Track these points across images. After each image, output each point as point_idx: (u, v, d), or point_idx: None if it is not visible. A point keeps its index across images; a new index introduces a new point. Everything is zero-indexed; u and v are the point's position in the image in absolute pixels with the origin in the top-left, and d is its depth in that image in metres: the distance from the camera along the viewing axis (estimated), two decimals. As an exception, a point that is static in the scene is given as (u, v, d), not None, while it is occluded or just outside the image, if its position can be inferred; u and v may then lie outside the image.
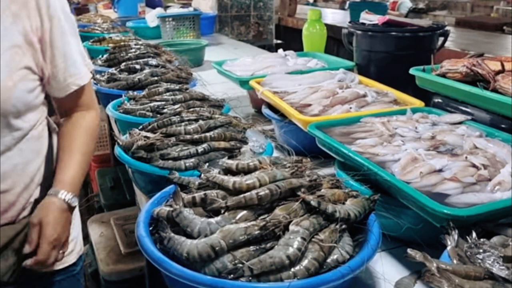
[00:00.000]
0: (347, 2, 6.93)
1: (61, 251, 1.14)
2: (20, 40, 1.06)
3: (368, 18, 2.09)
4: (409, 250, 0.83)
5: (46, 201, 1.13)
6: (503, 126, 1.30)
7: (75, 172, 1.17)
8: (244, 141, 1.34)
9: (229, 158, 1.20)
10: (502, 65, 1.38)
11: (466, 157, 1.07)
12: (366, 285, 0.96)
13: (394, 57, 1.97)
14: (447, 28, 2.03)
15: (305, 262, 0.80)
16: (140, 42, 2.46)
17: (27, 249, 1.08)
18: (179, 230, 0.88)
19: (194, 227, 0.86)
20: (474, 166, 1.05)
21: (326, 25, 2.80)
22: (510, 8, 7.04)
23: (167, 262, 0.80)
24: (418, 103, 1.51)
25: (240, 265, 0.79)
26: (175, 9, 4.10)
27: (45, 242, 1.09)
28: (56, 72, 1.14)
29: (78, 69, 1.18)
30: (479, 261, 0.80)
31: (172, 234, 0.86)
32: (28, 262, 1.08)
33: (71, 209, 1.16)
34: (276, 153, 1.33)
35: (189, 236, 0.85)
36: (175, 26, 3.61)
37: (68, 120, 1.23)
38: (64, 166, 1.17)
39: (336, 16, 6.33)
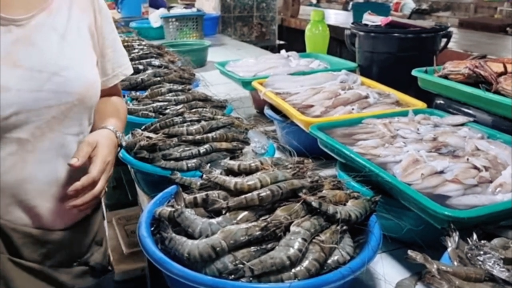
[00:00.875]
0: (350, 3, 6.92)
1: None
2: (88, 33, 1.10)
3: (371, 19, 2.09)
4: (409, 252, 0.83)
5: (98, 131, 1.11)
6: (505, 128, 1.29)
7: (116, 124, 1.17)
8: (246, 142, 1.34)
9: (231, 158, 1.20)
10: (505, 67, 1.38)
11: (467, 159, 1.07)
12: (367, 286, 0.96)
13: (396, 58, 1.97)
14: (450, 29, 2.03)
15: (306, 263, 0.80)
16: (143, 43, 2.47)
17: (74, 160, 0.98)
18: (181, 230, 0.88)
19: (195, 228, 0.86)
20: (475, 168, 1.05)
21: (329, 26, 2.80)
22: (514, 9, 7.03)
23: (168, 262, 0.80)
24: (420, 104, 1.51)
25: (241, 265, 0.79)
26: (178, 10, 4.11)
27: (100, 159, 1.01)
28: (105, 62, 1.17)
29: (125, 59, 1.24)
30: (480, 263, 0.81)
31: (174, 235, 0.86)
32: (82, 181, 0.96)
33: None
34: (278, 154, 1.33)
35: (191, 236, 0.86)
36: (178, 27, 3.62)
37: (109, 98, 1.25)
38: (107, 119, 1.17)
39: (339, 17, 6.33)
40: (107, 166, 1.04)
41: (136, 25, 3.91)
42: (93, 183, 0.98)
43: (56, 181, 1.05)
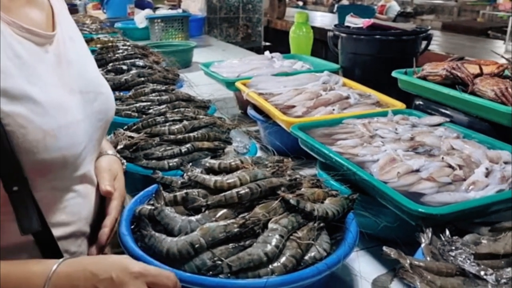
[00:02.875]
0: (336, 6, 6.98)
1: None
2: None
3: (353, 21, 2.12)
4: (384, 248, 0.85)
5: (104, 157, 0.99)
6: (480, 128, 1.33)
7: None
8: (228, 142, 1.36)
9: (213, 158, 1.22)
10: (481, 69, 1.42)
11: (442, 158, 1.10)
12: (344, 282, 0.98)
13: (378, 60, 2.00)
14: (430, 32, 2.07)
15: (283, 259, 0.82)
16: (127, 43, 2.47)
17: (110, 189, 0.91)
18: (161, 229, 0.89)
19: (175, 225, 0.88)
20: (450, 166, 1.08)
21: (314, 27, 2.82)
22: (496, 13, 7.13)
23: (147, 260, 0.81)
24: (399, 105, 1.54)
25: (219, 262, 0.80)
26: (164, 11, 4.11)
27: (119, 195, 0.93)
28: None
29: None
30: (452, 258, 0.83)
31: (153, 232, 0.87)
32: (111, 225, 0.88)
33: None
34: (260, 154, 1.35)
35: (170, 234, 0.87)
36: (164, 28, 3.62)
37: None
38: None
39: (325, 19, 6.38)
40: (123, 189, 0.97)
41: (122, 26, 3.90)
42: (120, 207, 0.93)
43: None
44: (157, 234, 0.86)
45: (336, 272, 0.96)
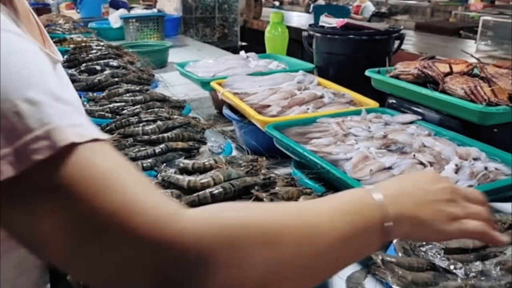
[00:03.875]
0: (311, 6, 7.03)
1: None
2: None
3: (327, 21, 2.13)
4: None
5: None
6: (450, 125, 1.36)
7: None
8: (203, 142, 1.36)
9: (187, 158, 1.21)
10: (451, 67, 1.45)
11: (414, 155, 1.12)
12: (319, 280, 0.99)
13: (352, 59, 2.02)
14: (403, 31, 2.10)
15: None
16: (101, 43, 2.44)
17: None
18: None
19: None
20: (421, 163, 1.10)
21: (290, 27, 2.83)
22: (468, 13, 7.29)
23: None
24: (373, 103, 1.56)
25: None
26: (138, 11, 4.07)
27: None
28: None
29: None
30: (422, 253, 0.85)
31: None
32: None
33: None
34: (235, 154, 1.35)
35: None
36: (139, 28, 3.58)
37: None
38: None
39: (301, 19, 6.40)
40: None
41: (96, 26, 3.85)
42: None
43: None
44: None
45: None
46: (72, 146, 0.43)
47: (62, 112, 0.44)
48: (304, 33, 2.18)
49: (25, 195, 0.42)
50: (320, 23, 2.18)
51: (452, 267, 0.78)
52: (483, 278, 0.75)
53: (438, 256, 0.83)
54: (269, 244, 0.47)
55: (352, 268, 1.02)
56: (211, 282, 0.43)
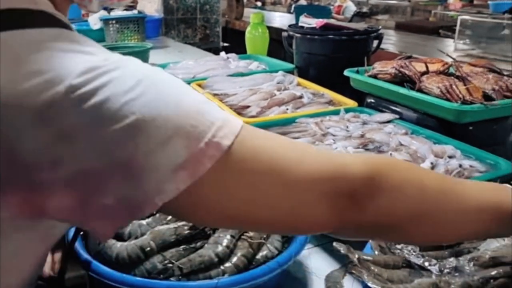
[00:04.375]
0: (293, 6, 7.05)
1: None
2: None
3: (307, 21, 2.14)
4: (334, 244, 0.87)
5: None
6: (427, 123, 1.37)
7: None
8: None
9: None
10: (427, 67, 1.47)
11: (390, 154, 1.13)
12: (297, 280, 0.99)
13: (331, 60, 2.03)
14: (381, 31, 2.12)
15: (234, 259, 0.82)
16: (80, 45, 2.41)
17: None
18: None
19: (124, 230, 0.87)
20: (398, 162, 1.11)
21: (272, 28, 2.83)
22: (447, 12, 7.38)
23: (95, 265, 0.80)
24: (351, 103, 1.57)
25: (170, 265, 0.80)
26: (119, 12, 4.03)
27: None
28: None
29: None
30: (398, 251, 0.86)
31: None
32: None
33: None
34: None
35: (120, 238, 0.86)
36: (119, 29, 3.56)
37: None
38: None
39: (284, 20, 6.41)
40: None
41: (76, 27, 3.78)
42: None
43: None
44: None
45: (289, 270, 0.97)
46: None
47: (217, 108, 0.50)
48: (284, 34, 2.19)
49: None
50: (300, 24, 2.19)
51: (426, 263, 0.79)
52: (456, 274, 0.77)
53: (414, 253, 0.84)
54: (419, 186, 0.57)
55: (331, 267, 1.03)
56: (376, 201, 0.53)
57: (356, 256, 0.82)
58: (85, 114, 0.43)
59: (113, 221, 0.47)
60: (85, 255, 0.82)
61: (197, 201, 0.48)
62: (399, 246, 0.86)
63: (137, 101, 0.44)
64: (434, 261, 0.80)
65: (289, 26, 2.24)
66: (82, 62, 0.45)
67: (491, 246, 0.80)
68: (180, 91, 0.49)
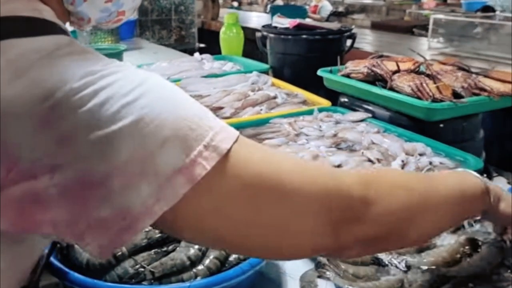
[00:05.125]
0: (269, 6, 7.06)
1: None
2: None
3: (280, 21, 2.15)
4: None
5: None
6: (400, 122, 1.39)
7: None
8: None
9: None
10: (398, 66, 1.48)
11: (362, 153, 1.14)
12: (272, 281, 0.99)
13: (305, 59, 2.04)
14: (354, 31, 2.14)
15: (206, 262, 0.82)
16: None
17: None
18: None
19: (95, 235, 0.85)
20: (369, 160, 1.12)
21: (248, 28, 2.83)
22: (421, 11, 7.50)
23: (66, 272, 0.78)
24: (325, 102, 1.58)
25: (142, 269, 0.79)
26: (92, 13, 3.98)
27: None
28: None
29: None
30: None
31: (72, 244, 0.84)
32: None
33: None
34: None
35: (91, 244, 0.85)
36: (92, 31, 3.51)
37: None
38: None
39: (260, 20, 6.41)
40: None
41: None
42: None
43: None
44: (76, 245, 0.84)
45: (263, 271, 0.97)
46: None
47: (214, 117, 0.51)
48: (258, 34, 2.19)
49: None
50: (273, 24, 2.19)
51: (394, 260, 0.80)
52: (419, 270, 0.78)
53: None
54: (403, 189, 0.59)
55: (305, 267, 1.03)
56: (371, 211, 0.54)
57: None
58: (84, 116, 0.43)
59: (111, 236, 0.45)
60: (56, 263, 0.81)
61: (194, 211, 0.47)
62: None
63: (136, 103, 0.44)
64: (401, 258, 0.81)
65: (263, 26, 2.25)
66: (83, 67, 0.45)
67: (445, 242, 0.82)
68: (177, 95, 0.49)
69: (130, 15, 0.66)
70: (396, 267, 0.78)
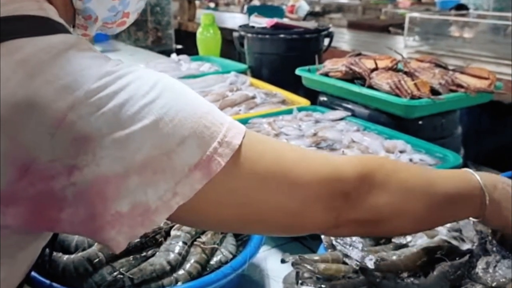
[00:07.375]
0: (246, 6, 7.05)
1: None
2: None
3: (257, 21, 2.14)
4: (282, 257, 0.85)
5: None
6: (379, 119, 1.39)
7: None
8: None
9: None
10: (376, 63, 1.49)
11: (343, 151, 1.13)
12: (255, 283, 0.98)
13: (283, 59, 2.03)
14: (331, 30, 2.14)
15: (187, 266, 0.80)
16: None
17: None
18: (57, 246, 0.84)
19: (71, 241, 0.83)
20: (349, 159, 1.11)
21: (226, 29, 2.81)
22: (397, 10, 7.59)
23: (40, 281, 0.75)
24: (304, 102, 1.57)
25: (120, 276, 0.77)
26: (66, 15, 3.91)
27: None
28: None
29: None
30: (341, 247, 0.85)
31: (47, 250, 0.81)
32: None
33: None
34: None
35: (67, 251, 0.82)
36: (67, 33, 3.45)
37: None
38: None
39: (238, 20, 6.40)
40: None
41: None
42: None
43: None
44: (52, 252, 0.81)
45: (246, 274, 0.95)
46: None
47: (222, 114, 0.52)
48: (235, 34, 2.17)
49: None
50: (250, 24, 2.18)
51: (365, 258, 0.79)
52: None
53: (356, 249, 0.84)
54: (403, 172, 0.62)
55: (288, 269, 1.02)
56: (366, 198, 0.57)
57: (297, 256, 0.81)
58: (104, 117, 0.43)
59: (128, 230, 0.46)
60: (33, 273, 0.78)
61: (210, 203, 0.49)
62: (340, 241, 0.86)
63: (155, 103, 0.45)
64: (371, 256, 0.80)
65: (240, 26, 2.23)
66: (97, 67, 0.45)
67: (419, 242, 0.81)
68: (189, 93, 0.50)
69: (133, 19, 0.67)
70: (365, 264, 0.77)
